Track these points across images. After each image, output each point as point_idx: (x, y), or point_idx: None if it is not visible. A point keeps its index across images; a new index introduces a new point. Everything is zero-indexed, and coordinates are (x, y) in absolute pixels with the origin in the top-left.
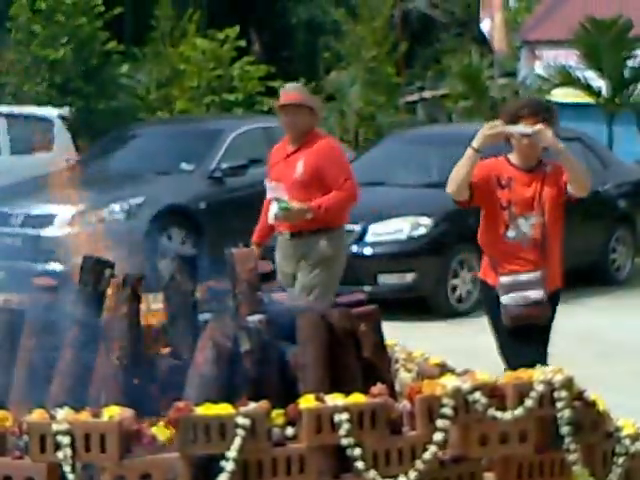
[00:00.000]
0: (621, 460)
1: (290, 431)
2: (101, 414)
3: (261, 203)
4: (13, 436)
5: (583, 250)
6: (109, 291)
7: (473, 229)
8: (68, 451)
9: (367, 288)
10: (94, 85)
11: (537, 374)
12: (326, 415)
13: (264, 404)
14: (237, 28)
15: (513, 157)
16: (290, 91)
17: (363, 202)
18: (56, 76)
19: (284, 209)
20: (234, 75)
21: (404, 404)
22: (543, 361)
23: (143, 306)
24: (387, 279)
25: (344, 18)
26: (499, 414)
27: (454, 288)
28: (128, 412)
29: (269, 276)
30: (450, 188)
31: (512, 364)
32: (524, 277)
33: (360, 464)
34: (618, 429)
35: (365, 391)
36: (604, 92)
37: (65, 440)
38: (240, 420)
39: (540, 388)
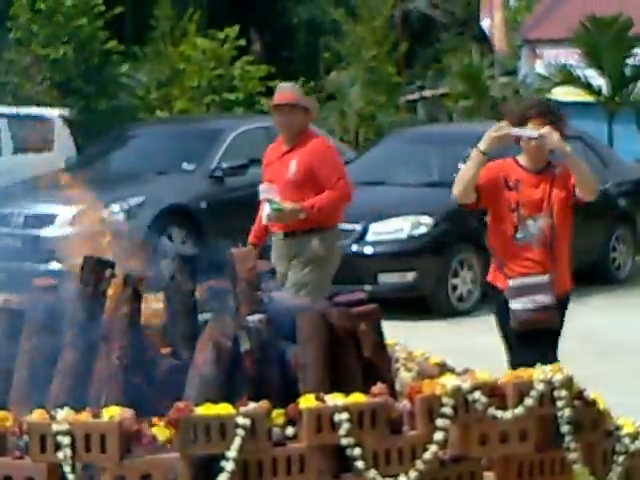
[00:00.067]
0: (621, 459)
1: (290, 431)
2: (101, 414)
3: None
4: (13, 436)
5: (583, 249)
6: (110, 291)
7: (474, 228)
8: (68, 451)
9: (368, 287)
10: (94, 85)
11: (537, 373)
12: (326, 415)
13: (264, 404)
14: (237, 28)
15: (521, 158)
16: (284, 91)
17: (364, 201)
18: (56, 76)
19: (276, 210)
20: (234, 75)
21: (404, 404)
22: None
23: (143, 306)
24: (388, 278)
25: (344, 18)
26: (499, 413)
27: (455, 287)
28: (128, 412)
29: (270, 275)
30: (456, 191)
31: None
32: (533, 280)
33: (360, 464)
34: (618, 428)
35: (365, 391)
36: (604, 90)
37: (65, 440)
38: (240, 420)
39: (540, 387)
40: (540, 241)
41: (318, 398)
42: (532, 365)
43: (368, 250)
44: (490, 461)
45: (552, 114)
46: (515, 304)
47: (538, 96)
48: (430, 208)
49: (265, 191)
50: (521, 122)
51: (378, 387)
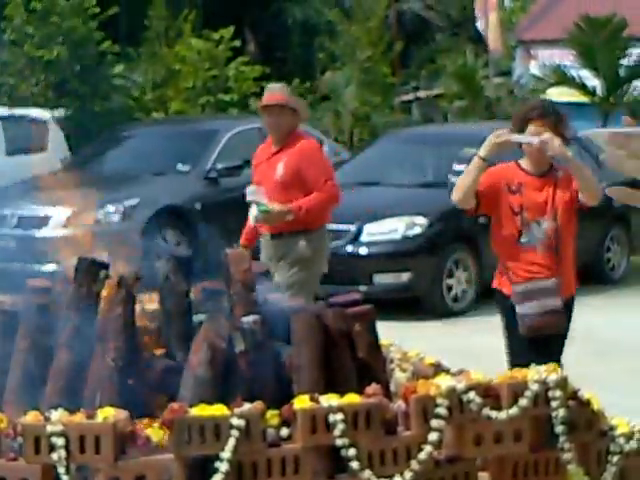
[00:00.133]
0: (615, 459)
1: (285, 432)
2: (95, 415)
3: None
4: (7, 438)
5: (578, 249)
6: (104, 292)
7: (468, 229)
8: (62, 453)
9: (362, 288)
10: (89, 85)
11: (531, 373)
12: (321, 415)
13: (259, 405)
14: (232, 28)
15: (524, 162)
16: (273, 92)
17: (358, 202)
18: (51, 77)
19: (264, 212)
20: (229, 75)
21: (399, 404)
22: None
23: (138, 307)
24: (382, 279)
25: (339, 19)
26: (494, 414)
27: (449, 288)
28: (123, 413)
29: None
30: (456, 196)
31: None
32: (539, 284)
33: (355, 464)
34: (612, 428)
35: (360, 391)
36: (599, 91)
37: (59, 442)
38: (235, 421)
39: (534, 387)
40: (545, 244)
41: (313, 399)
42: None
43: (363, 251)
44: (485, 461)
45: (553, 115)
46: (523, 309)
47: (533, 97)
48: (424, 209)
49: (252, 193)
50: (523, 124)
51: (373, 388)
